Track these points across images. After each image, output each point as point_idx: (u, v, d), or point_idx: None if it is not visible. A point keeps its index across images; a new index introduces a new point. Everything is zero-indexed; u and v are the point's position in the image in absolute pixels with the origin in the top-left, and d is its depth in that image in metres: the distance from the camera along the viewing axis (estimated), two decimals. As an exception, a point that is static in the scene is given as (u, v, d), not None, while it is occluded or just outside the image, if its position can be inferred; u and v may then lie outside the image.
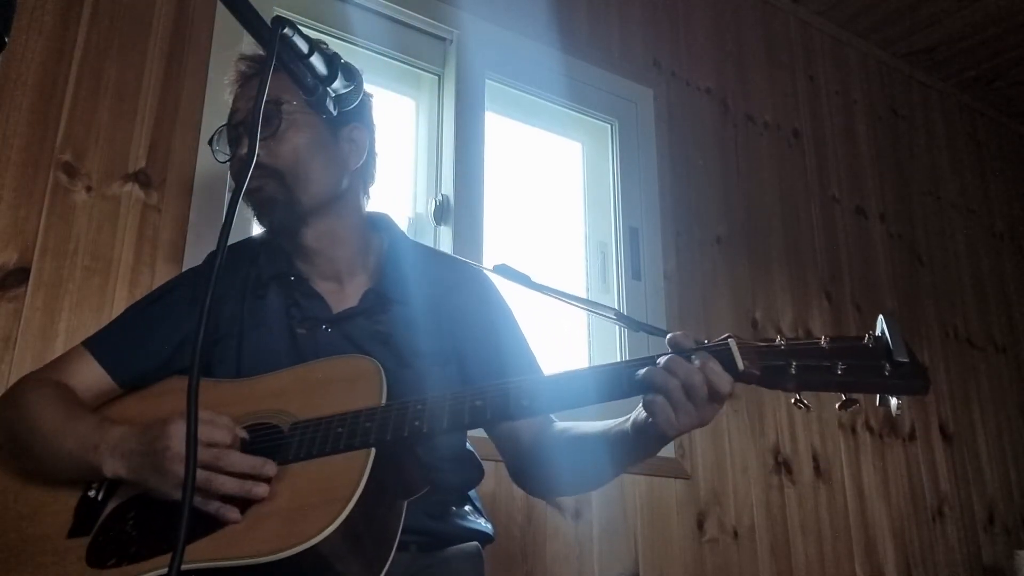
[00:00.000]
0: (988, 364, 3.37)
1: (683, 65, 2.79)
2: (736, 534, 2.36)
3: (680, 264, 2.53)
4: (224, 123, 1.30)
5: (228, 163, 1.29)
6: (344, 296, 1.27)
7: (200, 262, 1.40)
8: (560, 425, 1.25)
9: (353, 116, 1.29)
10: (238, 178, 1.24)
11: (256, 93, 0.92)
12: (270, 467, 1.00)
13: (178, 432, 0.99)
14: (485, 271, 1.35)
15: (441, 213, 2.16)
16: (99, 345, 1.24)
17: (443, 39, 2.30)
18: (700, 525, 2.30)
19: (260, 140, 1.18)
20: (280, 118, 1.21)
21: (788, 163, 2.98)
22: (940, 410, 3.09)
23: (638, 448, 1.07)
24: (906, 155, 3.45)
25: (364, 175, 1.34)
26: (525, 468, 1.28)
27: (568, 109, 2.50)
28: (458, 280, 1.34)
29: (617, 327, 2.32)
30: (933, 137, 3.60)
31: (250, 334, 1.23)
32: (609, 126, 2.58)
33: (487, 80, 2.33)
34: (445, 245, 2.12)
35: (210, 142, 1.29)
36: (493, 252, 2.22)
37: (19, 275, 1.58)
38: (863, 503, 2.69)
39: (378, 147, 1.37)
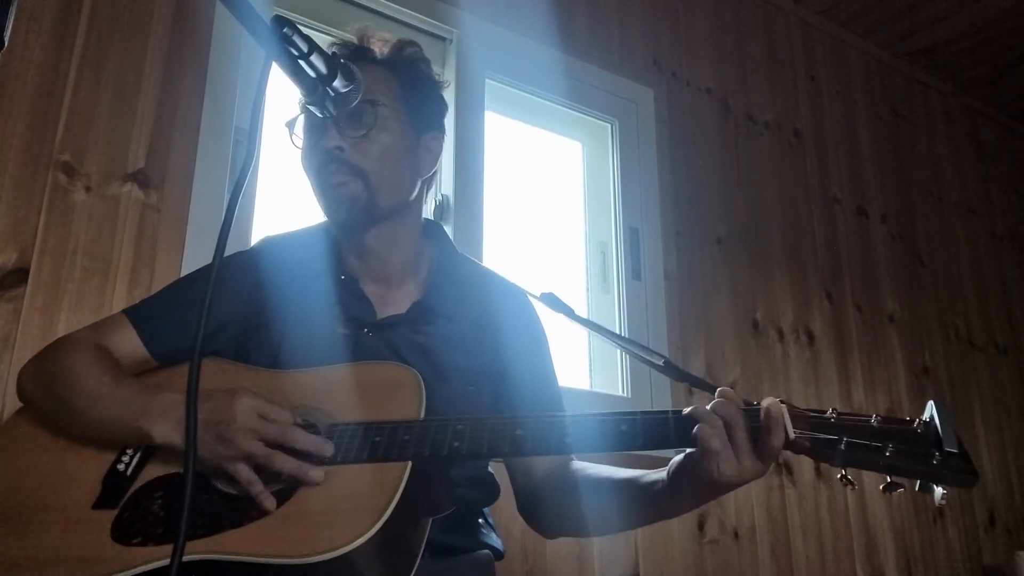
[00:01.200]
0: (989, 365, 3.37)
1: (683, 65, 2.79)
2: (736, 535, 2.36)
3: (680, 264, 2.52)
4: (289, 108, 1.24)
5: (300, 151, 1.25)
6: (390, 302, 1.26)
7: (226, 255, 1.34)
8: (578, 464, 1.23)
9: (435, 124, 1.30)
10: (318, 171, 1.20)
11: (256, 93, 0.91)
12: (328, 447, 0.99)
13: (245, 406, 0.99)
14: (531, 297, 1.33)
15: (441, 213, 2.15)
16: (139, 315, 1.23)
17: (443, 39, 2.30)
18: (700, 526, 2.30)
19: (351, 138, 1.18)
20: (375, 117, 1.19)
21: (789, 163, 2.97)
22: (941, 410, 3.08)
23: (673, 494, 1.02)
24: (907, 155, 3.44)
25: (430, 183, 1.34)
26: (535, 502, 1.27)
27: (568, 109, 2.50)
28: (504, 302, 1.32)
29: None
30: (934, 137, 3.60)
31: (292, 326, 1.21)
32: (609, 126, 2.57)
33: (487, 80, 2.32)
34: (445, 245, 2.11)
35: (288, 124, 1.25)
36: (493, 252, 2.22)
37: (18, 275, 1.57)
38: (864, 504, 2.69)
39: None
